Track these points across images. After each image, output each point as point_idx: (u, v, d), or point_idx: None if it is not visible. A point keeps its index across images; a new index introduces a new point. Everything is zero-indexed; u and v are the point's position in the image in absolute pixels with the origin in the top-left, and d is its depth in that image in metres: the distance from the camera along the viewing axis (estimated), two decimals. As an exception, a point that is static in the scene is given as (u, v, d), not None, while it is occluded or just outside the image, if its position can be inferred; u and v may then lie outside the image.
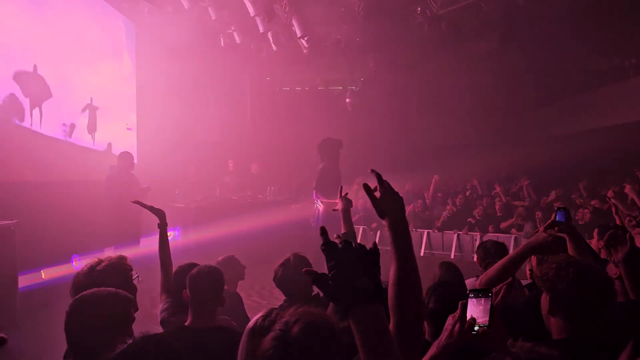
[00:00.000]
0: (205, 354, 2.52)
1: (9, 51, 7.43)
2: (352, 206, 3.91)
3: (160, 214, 3.56)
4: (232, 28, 11.67)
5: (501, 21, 11.05)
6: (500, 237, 9.69)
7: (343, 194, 3.84)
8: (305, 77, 16.11)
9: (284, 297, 3.23)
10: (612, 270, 2.65)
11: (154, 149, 10.39)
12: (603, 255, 3.19)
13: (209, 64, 12.33)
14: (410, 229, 1.72)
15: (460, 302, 1.69)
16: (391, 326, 1.53)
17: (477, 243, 9.43)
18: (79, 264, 7.14)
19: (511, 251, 2.96)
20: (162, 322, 3.16)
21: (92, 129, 9.33)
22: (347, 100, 15.37)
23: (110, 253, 4.54)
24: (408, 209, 10.74)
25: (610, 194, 5.42)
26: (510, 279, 2.49)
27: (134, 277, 2.79)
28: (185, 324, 2.74)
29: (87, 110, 9.22)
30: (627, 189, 5.70)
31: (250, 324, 2.07)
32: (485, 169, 12.37)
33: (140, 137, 10.73)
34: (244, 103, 15.55)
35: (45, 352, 4.62)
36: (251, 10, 10.14)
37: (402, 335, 1.52)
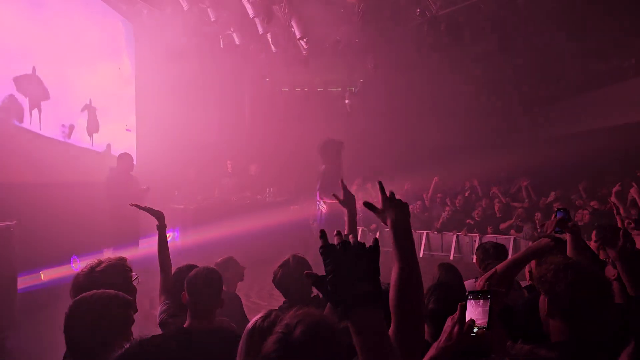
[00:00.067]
0: (204, 355, 2.52)
1: (9, 52, 7.43)
2: (354, 203, 3.87)
3: (158, 215, 3.55)
4: (231, 29, 11.66)
5: (500, 22, 11.05)
6: (500, 238, 9.71)
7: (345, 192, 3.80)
8: (305, 78, 16.10)
9: (283, 299, 3.23)
10: (610, 271, 2.65)
11: (153, 150, 10.38)
12: (602, 256, 3.20)
13: (208, 65, 12.33)
14: (409, 229, 1.72)
15: (459, 304, 1.69)
16: (392, 327, 1.53)
17: (476, 244, 9.43)
18: (78, 265, 7.14)
19: (510, 252, 2.97)
20: (161, 324, 3.16)
21: (91, 130, 9.33)
22: (346, 101, 15.39)
23: (109, 254, 4.54)
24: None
25: (613, 196, 5.39)
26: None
27: (133, 279, 2.80)
28: (184, 325, 2.74)
29: (86, 112, 9.22)
30: (634, 189, 5.66)
31: (250, 325, 2.07)
32: (484, 169, 12.37)
33: (139, 138, 10.73)
34: (243, 104, 15.55)
35: (45, 354, 4.61)
36: (250, 11, 10.14)
37: (403, 336, 1.52)
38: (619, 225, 3.89)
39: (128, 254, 3.47)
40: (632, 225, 3.78)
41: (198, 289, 2.75)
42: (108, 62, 10.05)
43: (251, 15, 10.26)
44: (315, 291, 2.71)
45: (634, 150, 10.31)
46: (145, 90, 10.70)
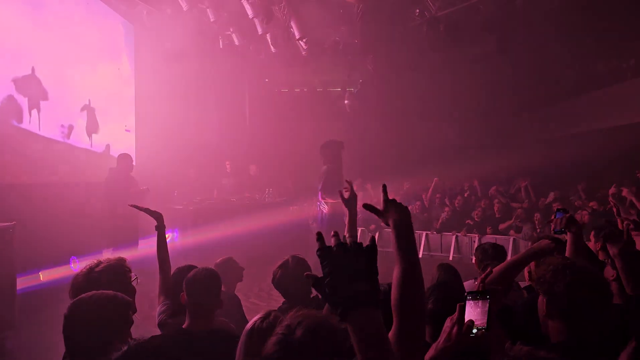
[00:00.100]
0: (203, 356, 2.52)
1: (8, 53, 7.43)
2: (356, 204, 3.88)
3: (157, 216, 3.55)
4: (231, 30, 11.66)
5: (499, 23, 11.05)
6: (499, 239, 9.71)
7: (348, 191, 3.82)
8: (304, 79, 16.11)
9: (282, 299, 3.23)
10: (609, 272, 2.65)
11: (152, 151, 10.39)
12: (601, 257, 3.19)
13: (207, 66, 12.34)
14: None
15: (458, 305, 1.69)
16: (394, 327, 1.53)
17: (476, 245, 9.43)
18: (77, 266, 7.14)
19: (509, 253, 2.97)
20: (160, 324, 3.16)
21: (90, 130, 9.33)
22: (346, 101, 15.38)
23: (108, 255, 4.54)
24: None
25: (612, 190, 5.37)
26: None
27: (132, 279, 2.80)
28: (183, 326, 2.74)
29: (86, 112, 9.21)
30: (625, 192, 5.69)
31: (248, 326, 2.07)
32: (484, 170, 12.37)
33: (138, 139, 10.73)
34: (242, 104, 15.56)
35: (44, 354, 4.61)
36: (250, 12, 10.15)
37: (405, 336, 1.51)
38: (619, 226, 3.90)
39: (127, 254, 3.47)
40: (631, 226, 3.78)
41: (197, 290, 2.75)
42: (108, 62, 10.05)
43: (250, 16, 10.26)
44: (314, 291, 2.71)
45: (633, 151, 10.30)
46: (144, 90, 10.70)
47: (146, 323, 4.12)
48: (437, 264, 3.82)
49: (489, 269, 2.41)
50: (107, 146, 9.77)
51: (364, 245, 1.36)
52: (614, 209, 4.73)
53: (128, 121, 10.68)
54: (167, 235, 3.67)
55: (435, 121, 14.67)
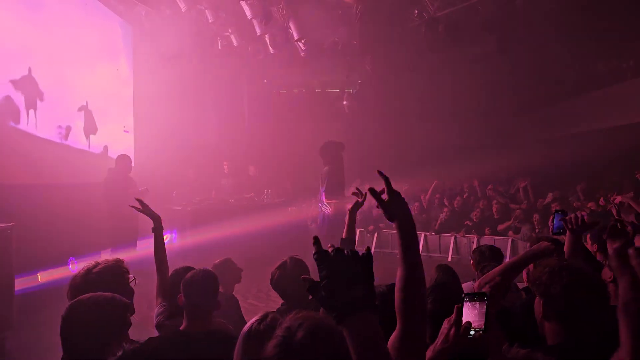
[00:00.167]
0: (200, 357, 2.51)
1: (6, 54, 7.42)
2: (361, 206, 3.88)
3: (155, 217, 3.54)
4: (229, 31, 11.67)
5: (499, 23, 11.06)
6: (498, 240, 9.71)
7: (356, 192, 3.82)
8: (303, 80, 16.11)
9: (280, 300, 3.22)
10: (606, 274, 2.65)
11: (151, 152, 10.38)
12: (599, 258, 3.20)
13: (206, 67, 12.34)
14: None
15: (455, 306, 1.68)
16: (397, 328, 1.53)
17: (475, 245, 9.42)
18: (75, 267, 7.13)
19: (508, 253, 2.96)
20: (158, 326, 3.16)
21: (88, 131, 9.32)
22: (344, 102, 15.37)
23: (107, 256, 4.53)
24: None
25: (618, 199, 5.39)
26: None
27: (130, 280, 2.79)
28: (180, 328, 2.73)
29: (83, 113, 9.20)
30: (618, 199, 5.67)
31: (246, 327, 2.07)
32: (483, 170, 12.36)
33: (137, 140, 10.72)
34: (241, 105, 15.55)
35: (42, 355, 4.60)
36: (248, 13, 10.15)
37: (409, 336, 1.51)
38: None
39: (126, 255, 3.46)
40: (630, 229, 3.79)
41: (194, 291, 2.74)
42: (106, 63, 10.05)
43: (249, 17, 10.27)
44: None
45: (633, 151, 10.30)
46: (143, 91, 10.70)
47: (144, 324, 4.12)
48: (436, 265, 3.82)
49: (498, 279, 2.38)
50: (106, 147, 9.76)
51: (360, 254, 1.36)
52: (614, 210, 4.73)
53: (126, 122, 10.68)
54: (165, 236, 3.66)
55: (434, 122, 14.65)
